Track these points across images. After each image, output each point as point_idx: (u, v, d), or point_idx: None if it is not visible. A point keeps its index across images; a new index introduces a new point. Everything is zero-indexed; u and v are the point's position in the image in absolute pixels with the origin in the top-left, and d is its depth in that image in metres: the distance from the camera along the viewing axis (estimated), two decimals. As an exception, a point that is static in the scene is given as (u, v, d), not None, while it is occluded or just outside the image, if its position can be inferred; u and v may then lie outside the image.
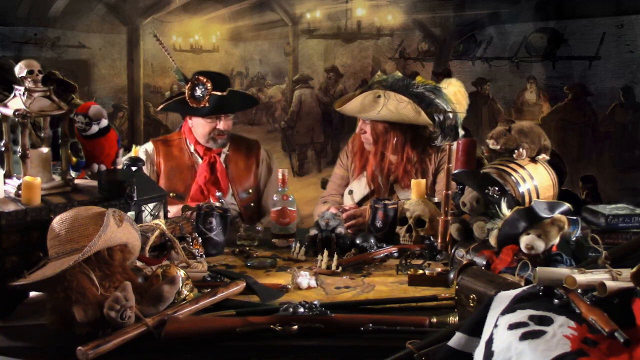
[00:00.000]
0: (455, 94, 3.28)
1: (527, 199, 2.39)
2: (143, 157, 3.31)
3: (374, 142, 3.21)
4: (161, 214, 2.64)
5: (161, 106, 3.49)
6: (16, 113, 2.21)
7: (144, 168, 3.19)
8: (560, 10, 6.63)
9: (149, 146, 3.46)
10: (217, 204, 2.84)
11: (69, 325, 1.88)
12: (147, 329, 1.88)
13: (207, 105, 3.26)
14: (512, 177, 2.41)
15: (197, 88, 3.25)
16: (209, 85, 3.24)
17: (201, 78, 3.25)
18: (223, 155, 3.45)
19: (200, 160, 3.41)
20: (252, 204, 3.49)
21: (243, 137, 3.64)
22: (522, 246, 2.19)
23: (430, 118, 3.12)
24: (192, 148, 3.42)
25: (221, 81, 3.35)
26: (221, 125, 3.33)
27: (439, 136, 3.18)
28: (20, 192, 2.20)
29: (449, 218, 2.58)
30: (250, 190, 3.49)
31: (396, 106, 3.11)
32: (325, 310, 1.97)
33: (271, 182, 3.52)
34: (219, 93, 3.27)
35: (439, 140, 3.19)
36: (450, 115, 3.17)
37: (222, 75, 3.48)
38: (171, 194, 3.24)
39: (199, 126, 3.36)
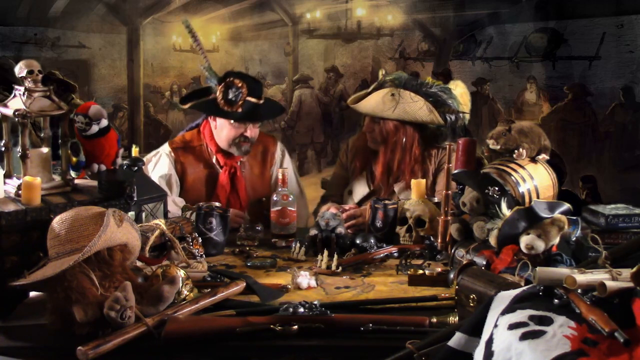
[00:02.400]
0: (461, 95, 3.29)
1: (527, 199, 2.39)
2: (164, 165, 3.22)
3: (383, 140, 3.20)
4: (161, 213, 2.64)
5: (189, 104, 3.20)
6: (16, 113, 2.21)
7: (158, 176, 3.16)
8: (560, 10, 6.63)
9: (167, 152, 3.27)
10: (217, 204, 2.84)
11: (69, 325, 1.88)
12: (147, 329, 1.88)
13: (240, 110, 3.11)
14: (512, 177, 2.40)
15: (230, 91, 3.09)
16: (244, 90, 3.09)
17: (236, 81, 3.09)
18: (239, 165, 3.31)
19: (220, 170, 3.27)
20: (265, 212, 3.30)
21: (260, 136, 3.38)
22: (522, 246, 2.19)
23: (442, 118, 3.12)
24: (214, 159, 3.28)
25: (256, 87, 3.19)
26: (249, 132, 3.19)
27: (449, 137, 3.17)
28: (20, 192, 2.20)
29: (449, 218, 2.58)
30: (264, 199, 3.32)
31: (411, 105, 3.11)
32: (325, 310, 1.97)
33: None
34: (254, 100, 3.13)
35: (448, 142, 3.18)
36: (461, 115, 3.18)
37: (256, 81, 3.30)
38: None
39: (224, 129, 3.20)
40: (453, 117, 3.16)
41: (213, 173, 3.29)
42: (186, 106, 3.24)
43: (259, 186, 3.37)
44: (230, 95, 3.09)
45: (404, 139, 3.17)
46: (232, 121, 3.16)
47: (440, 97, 3.16)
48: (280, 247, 2.87)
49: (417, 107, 3.11)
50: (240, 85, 3.09)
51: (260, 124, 3.30)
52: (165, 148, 3.31)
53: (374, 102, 3.18)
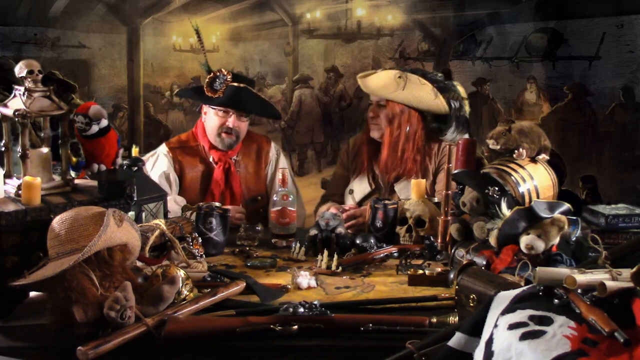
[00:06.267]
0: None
1: (527, 199, 2.39)
2: (163, 163, 3.25)
3: (389, 122, 3.17)
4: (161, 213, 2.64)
5: (177, 90, 3.41)
6: (16, 113, 2.21)
7: (157, 174, 3.18)
8: (560, 10, 6.63)
9: (165, 152, 3.32)
10: (217, 203, 2.84)
11: (69, 325, 1.88)
12: (147, 329, 1.88)
13: (221, 95, 3.20)
14: (512, 177, 2.40)
15: (217, 79, 3.21)
16: (229, 77, 3.20)
17: (224, 70, 3.23)
18: (233, 161, 3.36)
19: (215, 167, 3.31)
20: (260, 210, 3.40)
21: (253, 135, 3.50)
22: (522, 246, 2.19)
23: (447, 104, 3.12)
24: (210, 157, 3.32)
25: (243, 78, 3.32)
26: (231, 122, 3.24)
27: (453, 125, 3.17)
28: (20, 192, 2.20)
29: (449, 218, 2.58)
30: (260, 197, 3.40)
31: (418, 89, 3.11)
32: (325, 310, 1.97)
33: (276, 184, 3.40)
34: (235, 84, 3.22)
35: (451, 131, 3.17)
36: (465, 102, 3.18)
37: (248, 78, 3.45)
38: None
39: (210, 120, 3.28)
40: (457, 104, 3.15)
41: (210, 171, 3.32)
42: (174, 93, 3.42)
43: (254, 185, 3.40)
44: (216, 83, 3.20)
45: (408, 127, 3.16)
46: (214, 108, 3.25)
47: (444, 82, 3.18)
48: (280, 247, 2.87)
49: (423, 91, 3.11)
50: (226, 73, 3.21)
51: (249, 118, 3.34)
52: (163, 148, 3.36)
53: (383, 81, 3.18)
